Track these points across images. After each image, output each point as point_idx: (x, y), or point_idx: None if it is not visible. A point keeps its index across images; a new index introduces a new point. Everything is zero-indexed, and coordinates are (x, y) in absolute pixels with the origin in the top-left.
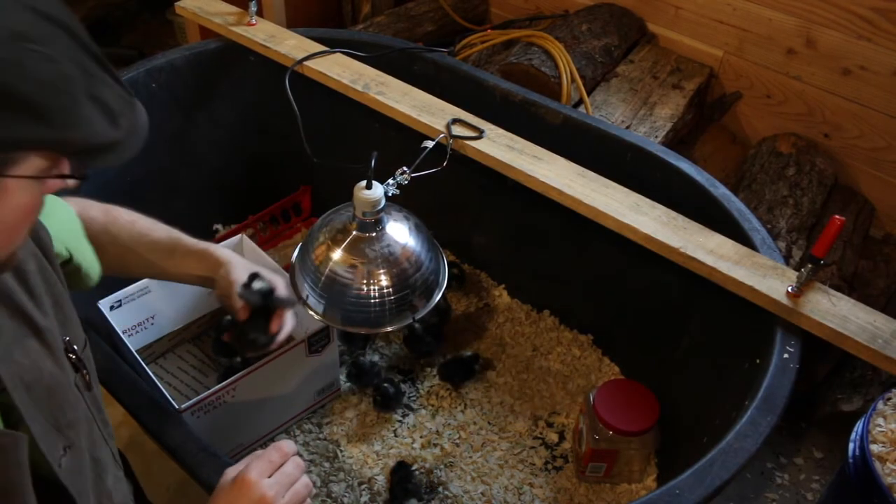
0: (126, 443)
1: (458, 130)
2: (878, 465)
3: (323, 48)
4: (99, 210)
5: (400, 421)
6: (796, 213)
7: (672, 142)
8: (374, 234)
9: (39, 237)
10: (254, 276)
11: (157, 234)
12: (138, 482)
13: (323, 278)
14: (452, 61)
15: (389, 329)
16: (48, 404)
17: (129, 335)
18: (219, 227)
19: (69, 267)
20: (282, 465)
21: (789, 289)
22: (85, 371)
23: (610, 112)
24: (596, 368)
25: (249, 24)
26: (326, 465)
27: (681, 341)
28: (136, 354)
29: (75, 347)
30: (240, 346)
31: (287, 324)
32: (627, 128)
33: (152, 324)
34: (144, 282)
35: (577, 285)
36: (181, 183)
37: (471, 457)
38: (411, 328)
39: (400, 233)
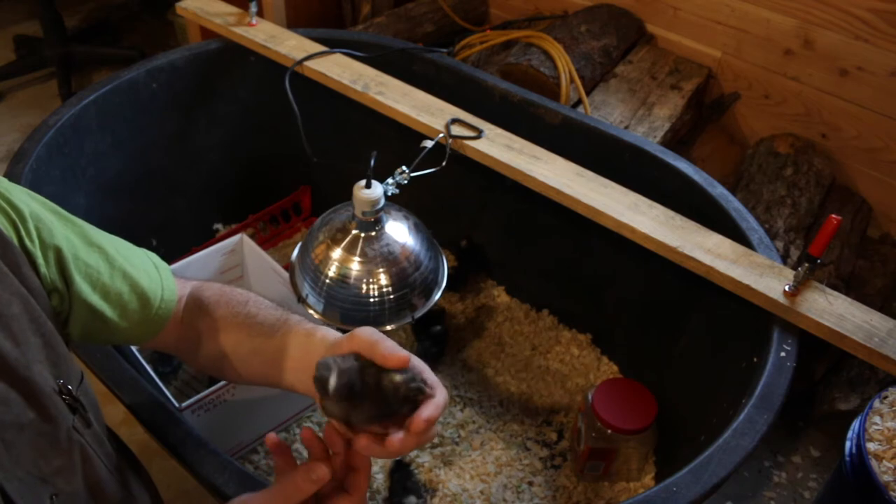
0: (126, 442)
1: (457, 130)
2: (874, 463)
3: (323, 48)
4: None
5: None
6: (794, 212)
7: (670, 142)
8: (373, 234)
9: (24, 275)
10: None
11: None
12: (155, 487)
13: (322, 277)
14: (452, 61)
15: (389, 328)
16: (31, 456)
17: None
18: (219, 226)
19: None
20: None
21: (786, 288)
22: (83, 410)
23: (608, 112)
24: (594, 367)
25: (250, 25)
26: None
27: (679, 340)
28: (136, 353)
29: (70, 388)
30: None
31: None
32: (626, 128)
33: None
34: None
35: (576, 285)
36: (181, 183)
37: (469, 455)
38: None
39: (399, 232)
